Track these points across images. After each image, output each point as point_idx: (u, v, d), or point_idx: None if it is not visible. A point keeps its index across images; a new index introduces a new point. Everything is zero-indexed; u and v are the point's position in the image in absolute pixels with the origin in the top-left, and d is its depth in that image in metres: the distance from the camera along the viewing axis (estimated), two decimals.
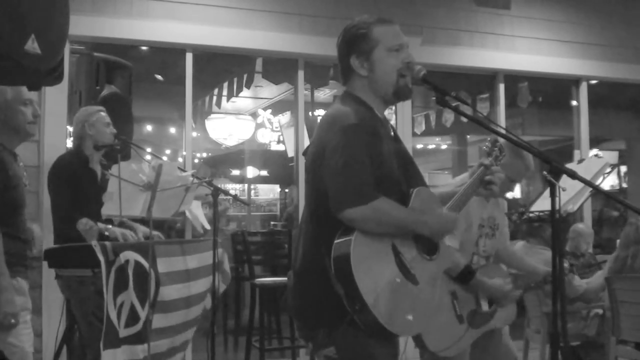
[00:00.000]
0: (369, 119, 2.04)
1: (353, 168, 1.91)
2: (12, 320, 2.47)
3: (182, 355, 3.63)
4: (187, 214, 4.24)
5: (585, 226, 5.46)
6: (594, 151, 8.09)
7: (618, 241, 4.61)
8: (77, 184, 3.49)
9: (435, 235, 2.06)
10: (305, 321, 2.08)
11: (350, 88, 2.16)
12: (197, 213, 4.21)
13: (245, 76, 6.29)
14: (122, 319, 3.17)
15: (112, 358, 3.06)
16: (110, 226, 3.45)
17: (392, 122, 5.93)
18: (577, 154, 6.63)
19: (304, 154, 2.16)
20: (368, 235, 1.90)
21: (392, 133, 2.21)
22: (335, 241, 1.90)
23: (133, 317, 3.20)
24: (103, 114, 3.70)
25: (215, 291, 3.58)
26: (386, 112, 2.32)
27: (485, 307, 2.91)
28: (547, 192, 2.17)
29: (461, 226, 2.85)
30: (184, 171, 3.60)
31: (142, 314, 3.21)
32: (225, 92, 7.45)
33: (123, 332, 3.16)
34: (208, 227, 4.30)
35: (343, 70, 2.18)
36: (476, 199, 2.87)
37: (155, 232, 3.50)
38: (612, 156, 9.23)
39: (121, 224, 3.64)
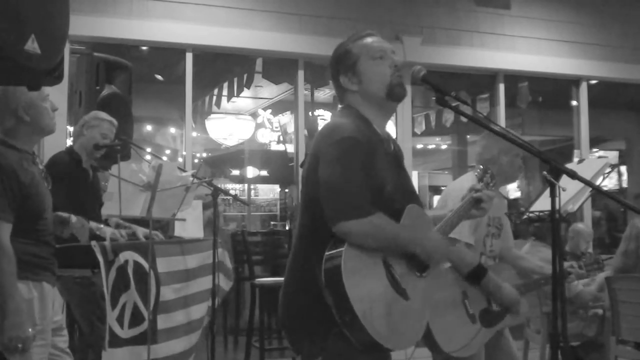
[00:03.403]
0: (365, 132, 2.04)
1: (349, 180, 1.91)
2: (20, 345, 2.34)
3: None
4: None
5: (584, 226, 5.46)
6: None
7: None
8: (72, 183, 3.49)
9: (427, 257, 2.04)
10: (292, 332, 2.07)
11: (347, 104, 2.17)
12: (196, 215, 4.21)
13: (245, 76, 6.31)
14: (126, 320, 3.16)
15: (111, 359, 3.05)
16: (102, 226, 3.43)
17: (392, 122, 5.94)
18: (577, 154, 6.63)
19: (301, 165, 2.16)
20: (359, 248, 1.90)
21: (393, 148, 2.20)
22: (326, 253, 1.89)
23: (137, 318, 3.20)
24: (107, 125, 3.64)
25: (215, 291, 3.58)
26: None
27: (497, 305, 2.90)
28: (547, 192, 2.17)
29: (472, 224, 2.85)
30: (184, 171, 3.59)
31: (146, 314, 3.21)
32: (225, 92, 7.46)
33: (128, 333, 3.16)
34: (201, 233, 4.31)
35: (337, 92, 2.21)
36: None
37: (154, 232, 3.50)
38: (612, 156, 9.24)
39: (117, 226, 3.63)
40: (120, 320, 3.14)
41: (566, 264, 3.15)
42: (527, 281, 3.08)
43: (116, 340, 3.11)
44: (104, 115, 3.70)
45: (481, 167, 2.39)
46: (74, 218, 3.22)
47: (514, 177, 3.16)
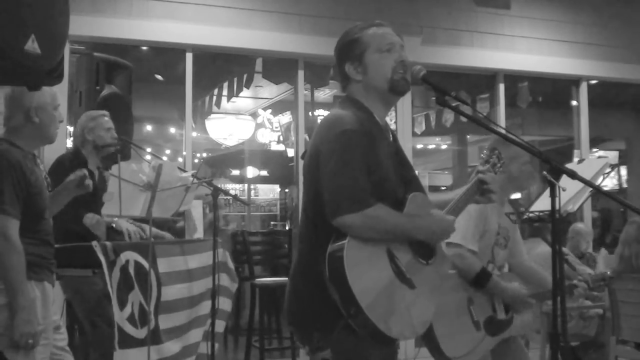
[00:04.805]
0: (366, 124, 2.04)
1: (348, 174, 1.91)
2: (30, 341, 2.37)
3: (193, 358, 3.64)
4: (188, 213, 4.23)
5: (584, 225, 5.47)
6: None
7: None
8: None
9: (431, 238, 2.05)
10: (299, 325, 2.08)
11: (349, 93, 2.17)
12: (196, 214, 4.21)
13: (245, 76, 6.29)
14: (137, 319, 3.17)
15: (122, 358, 3.05)
16: (116, 219, 3.44)
17: (392, 121, 5.93)
18: (577, 154, 6.63)
19: (302, 157, 2.16)
20: (361, 240, 1.90)
21: (392, 138, 2.20)
22: (329, 246, 1.90)
23: (145, 317, 3.21)
24: (105, 119, 3.66)
25: (215, 292, 3.58)
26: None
27: (502, 314, 2.89)
28: (547, 192, 2.17)
29: (478, 232, 2.85)
30: (184, 171, 3.60)
31: (150, 314, 3.22)
32: (225, 92, 7.45)
33: (140, 333, 3.16)
34: (201, 232, 4.30)
35: (341, 78, 2.20)
36: (494, 207, 2.85)
37: (163, 232, 3.52)
38: (612, 156, 9.23)
39: None
40: (132, 320, 3.15)
41: (574, 281, 3.15)
42: (531, 293, 3.06)
43: (130, 340, 3.11)
44: (94, 112, 3.72)
45: (487, 147, 2.36)
46: (88, 215, 3.24)
47: (524, 185, 3.10)
